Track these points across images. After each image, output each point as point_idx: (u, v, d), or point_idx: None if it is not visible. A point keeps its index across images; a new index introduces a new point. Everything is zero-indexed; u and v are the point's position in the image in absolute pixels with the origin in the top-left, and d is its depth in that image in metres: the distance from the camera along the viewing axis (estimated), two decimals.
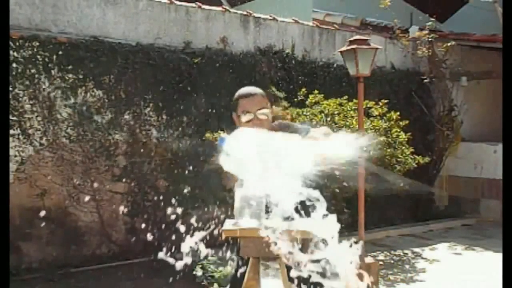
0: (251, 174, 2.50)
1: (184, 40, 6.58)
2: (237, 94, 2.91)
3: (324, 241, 2.52)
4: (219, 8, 7.10)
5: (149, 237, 6.35)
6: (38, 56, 5.59)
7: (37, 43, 5.57)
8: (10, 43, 5.38)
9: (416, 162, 6.36)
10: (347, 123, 5.86)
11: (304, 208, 2.66)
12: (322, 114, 5.95)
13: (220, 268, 5.19)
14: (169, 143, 6.45)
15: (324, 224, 2.49)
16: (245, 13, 7.22)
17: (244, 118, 2.82)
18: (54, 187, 5.75)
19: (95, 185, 5.97)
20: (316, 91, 6.28)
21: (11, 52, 5.40)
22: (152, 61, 6.22)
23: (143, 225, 6.31)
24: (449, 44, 8.26)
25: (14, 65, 5.46)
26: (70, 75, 5.76)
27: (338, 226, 2.35)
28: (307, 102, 6.25)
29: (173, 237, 6.13)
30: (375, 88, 7.78)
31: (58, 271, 5.50)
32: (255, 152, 2.46)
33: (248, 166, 2.54)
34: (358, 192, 5.07)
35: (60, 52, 5.69)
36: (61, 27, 5.81)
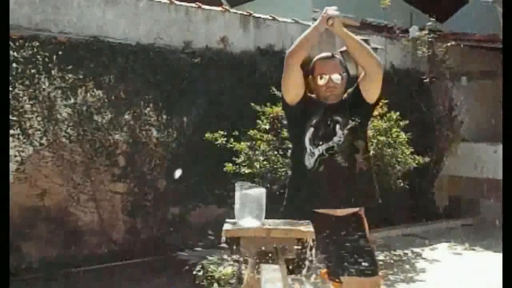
0: None
1: (184, 40, 6.57)
2: (315, 58, 3.11)
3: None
4: (219, 8, 7.10)
5: (149, 237, 6.37)
6: (38, 56, 5.58)
7: (37, 43, 5.57)
8: (10, 43, 5.37)
9: (416, 162, 6.37)
10: None
11: None
12: None
13: (220, 268, 5.18)
14: (169, 143, 6.45)
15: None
16: (245, 13, 7.22)
17: (321, 81, 2.97)
18: (54, 187, 5.75)
19: (95, 185, 5.97)
20: None
21: (11, 52, 5.40)
22: (152, 61, 6.22)
23: (143, 225, 6.31)
24: (449, 44, 8.26)
25: (14, 65, 5.45)
26: (70, 75, 5.76)
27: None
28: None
29: (173, 237, 6.19)
30: None
31: (58, 271, 5.50)
32: None
33: None
34: None
35: (60, 52, 5.69)
36: (61, 27, 5.81)
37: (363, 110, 2.99)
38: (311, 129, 2.94)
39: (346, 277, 2.86)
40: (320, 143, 2.91)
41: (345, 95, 3.06)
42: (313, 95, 3.05)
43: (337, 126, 2.94)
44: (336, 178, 2.90)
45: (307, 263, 2.84)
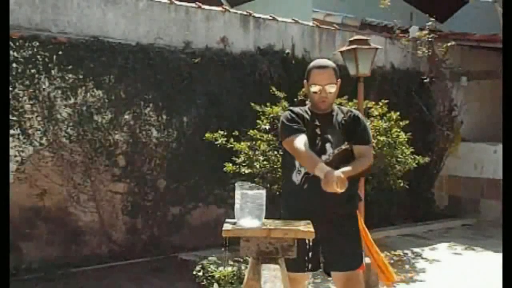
0: None
1: (184, 40, 6.57)
2: (311, 64, 3.16)
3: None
4: (219, 8, 7.10)
5: (149, 237, 6.37)
6: (38, 56, 5.58)
7: (37, 43, 5.57)
8: (10, 43, 5.38)
9: (416, 162, 6.36)
10: None
11: None
12: None
13: (220, 268, 5.18)
14: (169, 143, 6.45)
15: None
16: (245, 13, 7.21)
17: (314, 89, 3.04)
18: (54, 187, 5.75)
19: (95, 185, 5.97)
20: None
21: (11, 52, 5.40)
22: (152, 61, 6.21)
23: (143, 225, 6.31)
24: (449, 44, 8.26)
25: (14, 65, 5.45)
26: (70, 75, 5.76)
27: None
28: (307, 102, 6.25)
29: (173, 237, 6.19)
30: (375, 88, 7.78)
31: (58, 271, 5.50)
32: None
33: None
34: None
35: (60, 52, 5.69)
36: (61, 27, 5.81)
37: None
38: None
39: (332, 272, 3.11)
40: None
41: (343, 116, 3.11)
42: (303, 109, 3.15)
43: (328, 145, 3.03)
44: (317, 197, 2.96)
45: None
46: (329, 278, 3.49)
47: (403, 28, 8.86)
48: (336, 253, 3.03)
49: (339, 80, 3.11)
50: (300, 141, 2.94)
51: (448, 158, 8.91)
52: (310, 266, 3.05)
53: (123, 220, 6.21)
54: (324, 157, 2.99)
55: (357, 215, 3.21)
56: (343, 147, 3.03)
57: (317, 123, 3.07)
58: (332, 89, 3.04)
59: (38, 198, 5.67)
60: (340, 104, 6.06)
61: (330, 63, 3.13)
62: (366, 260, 4.80)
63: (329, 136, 3.03)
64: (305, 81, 3.13)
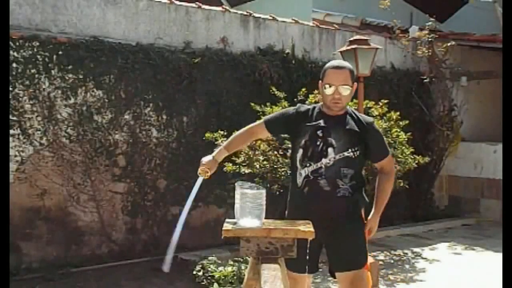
0: None
1: (184, 40, 6.58)
2: (328, 64, 3.07)
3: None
4: (219, 8, 7.10)
5: (149, 237, 6.37)
6: (38, 56, 5.58)
7: (37, 43, 5.57)
8: (10, 43, 5.38)
9: (416, 162, 6.37)
10: None
11: None
12: None
13: (220, 268, 5.19)
14: (169, 143, 6.44)
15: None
16: (245, 13, 7.21)
17: (328, 90, 2.96)
18: (54, 187, 5.75)
19: (95, 185, 5.97)
20: (316, 91, 6.28)
21: (11, 52, 5.40)
22: (152, 61, 6.21)
23: (143, 225, 6.31)
24: (449, 44, 8.26)
25: (14, 65, 5.45)
26: (70, 75, 5.76)
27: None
28: (307, 102, 6.25)
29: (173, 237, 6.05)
30: (375, 88, 7.78)
31: (58, 271, 5.50)
32: None
33: None
34: None
35: (60, 52, 5.69)
36: (61, 27, 5.81)
37: (365, 151, 3.05)
38: (300, 150, 3.01)
39: (336, 272, 3.09)
40: (308, 164, 2.98)
41: (355, 123, 3.03)
42: (314, 107, 3.10)
43: (330, 149, 2.97)
44: (317, 201, 2.95)
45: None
46: (329, 278, 3.50)
47: (403, 28, 8.86)
48: (340, 253, 3.02)
49: (355, 83, 3.02)
50: (247, 127, 3.17)
51: (448, 158, 8.91)
52: (310, 267, 3.04)
53: (123, 220, 6.21)
54: (324, 160, 2.94)
55: (362, 216, 3.17)
56: (346, 154, 2.95)
57: (322, 124, 2.98)
58: (346, 91, 2.95)
59: (38, 198, 5.67)
60: None
61: (347, 64, 3.06)
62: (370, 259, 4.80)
63: (333, 141, 2.95)
64: (319, 81, 3.04)
